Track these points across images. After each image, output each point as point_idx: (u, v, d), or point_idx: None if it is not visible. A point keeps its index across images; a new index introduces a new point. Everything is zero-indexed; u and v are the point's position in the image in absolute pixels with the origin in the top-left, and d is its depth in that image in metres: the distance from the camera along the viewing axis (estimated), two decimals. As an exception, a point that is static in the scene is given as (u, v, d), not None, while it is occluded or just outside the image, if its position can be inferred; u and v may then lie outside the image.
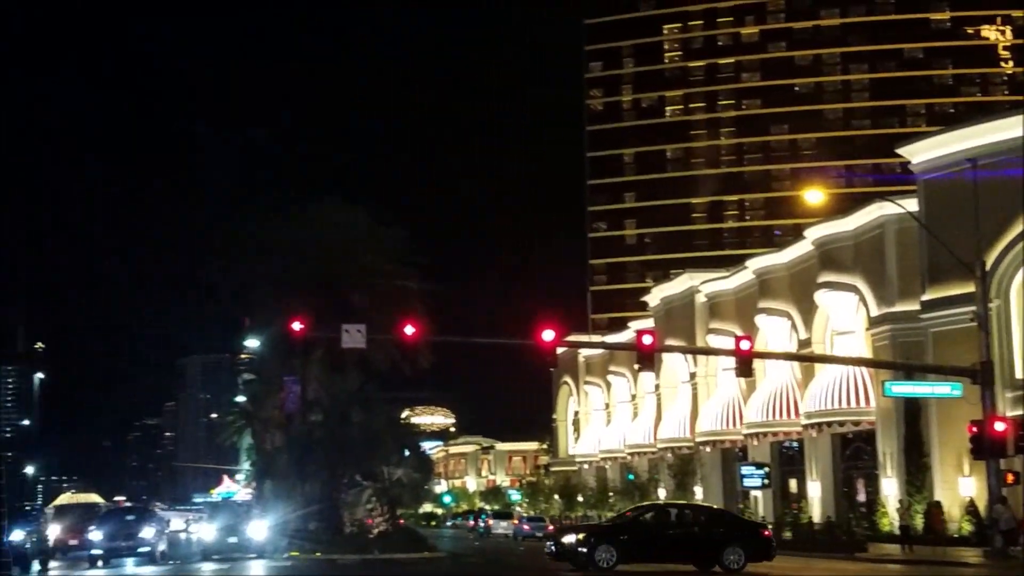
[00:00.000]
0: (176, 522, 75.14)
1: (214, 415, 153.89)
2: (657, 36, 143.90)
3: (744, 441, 64.63)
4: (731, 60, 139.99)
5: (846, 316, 55.67)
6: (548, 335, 36.01)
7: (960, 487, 45.89)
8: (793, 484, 62.27)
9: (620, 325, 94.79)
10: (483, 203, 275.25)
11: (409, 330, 36.87)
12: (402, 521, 58.45)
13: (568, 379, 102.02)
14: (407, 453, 51.92)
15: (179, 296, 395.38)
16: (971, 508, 44.64)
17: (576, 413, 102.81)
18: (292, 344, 42.00)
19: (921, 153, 49.09)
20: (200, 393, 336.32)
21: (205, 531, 50.01)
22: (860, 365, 52.68)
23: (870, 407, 52.92)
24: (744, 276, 66.00)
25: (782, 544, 53.15)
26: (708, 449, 69.59)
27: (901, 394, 44.86)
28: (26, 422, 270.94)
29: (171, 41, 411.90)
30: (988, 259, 41.78)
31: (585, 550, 31.81)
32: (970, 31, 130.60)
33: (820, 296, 56.50)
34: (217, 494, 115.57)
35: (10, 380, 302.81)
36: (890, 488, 50.43)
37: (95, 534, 43.74)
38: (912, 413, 48.29)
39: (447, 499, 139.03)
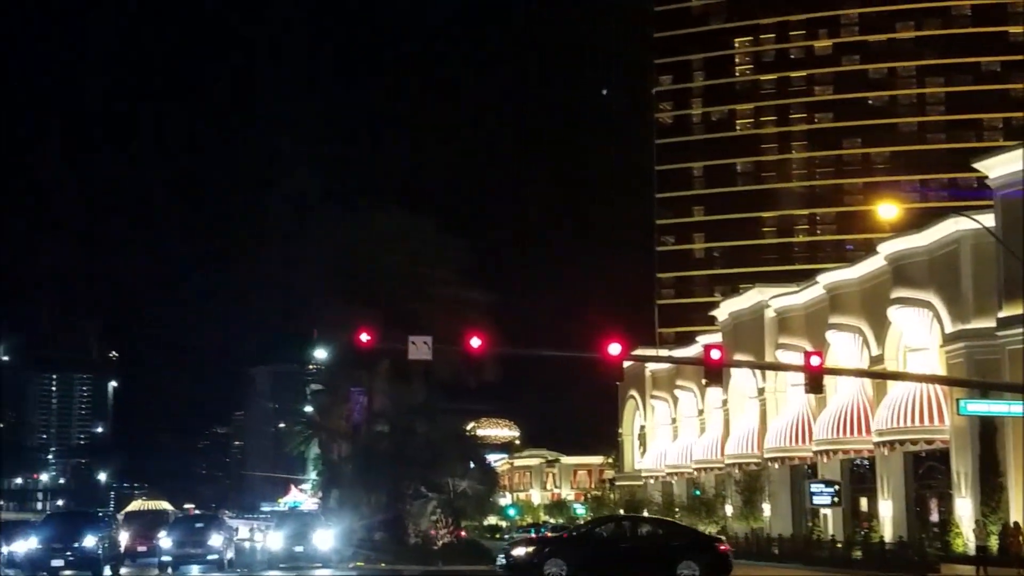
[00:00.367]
0: (244, 530, 75.89)
1: (282, 425, 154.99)
2: (728, 49, 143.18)
3: (813, 458, 63.69)
4: (803, 73, 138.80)
5: (919, 332, 54.64)
6: (615, 349, 35.72)
7: (1037, 508, 44.74)
8: (864, 503, 61.19)
9: (687, 339, 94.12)
10: (550, 216, 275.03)
11: (475, 342, 36.74)
12: (463, 533, 58.46)
13: (634, 393, 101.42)
14: (472, 465, 52.02)
15: (250, 307, 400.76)
16: (1049, 530, 43.50)
17: (642, 427, 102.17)
18: (359, 355, 42.22)
19: (998, 167, 48.08)
20: (268, 403, 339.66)
21: (272, 540, 50.44)
22: (933, 383, 51.63)
23: (944, 425, 51.84)
24: (814, 291, 65.13)
25: (853, 563, 52.42)
26: (776, 466, 68.69)
27: (976, 412, 43.85)
28: (99, 429, 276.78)
29: (240, 51, 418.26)
30: (1067, 276, 40.74)
31: (536, 562, 31.69)
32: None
33: (893, 312, 55.52)
34: (284, 503, 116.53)
35: (85, 388, 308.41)
36: (964, 508, 49.33)
37: (164, 541, 44.30)
38: (987, 432, 47.22)
39: (512, 512, 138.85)
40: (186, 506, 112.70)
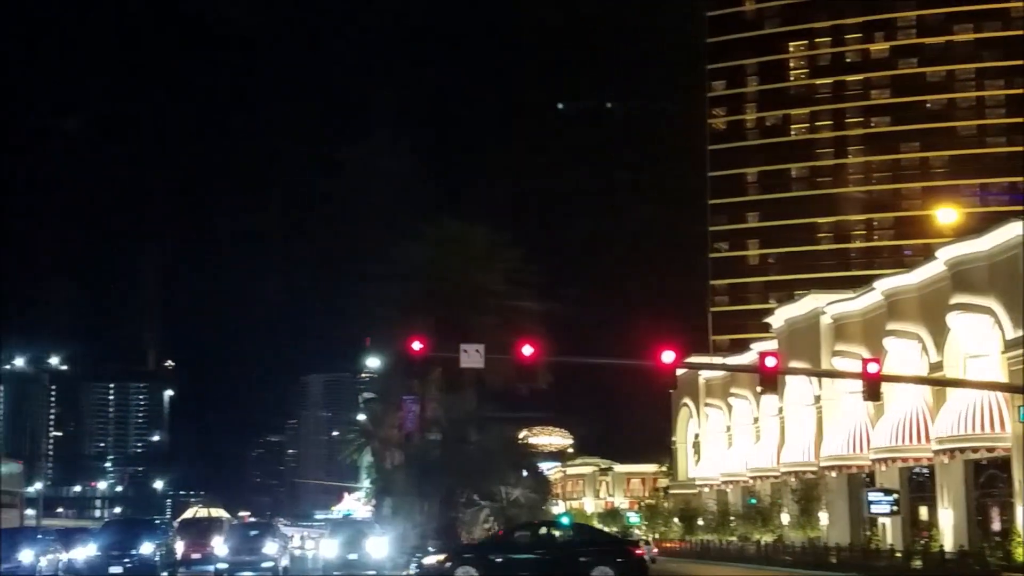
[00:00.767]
0: (298, 538, 76.30)
1: (335, 433, 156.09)
2: (782, 54, 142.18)
3: (871, 466, 62.79)
4: (860, 77, 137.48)
5: (980, 339, 53.65)
6: (668, 356, 35.39)
7: (1103, 519, 43.74)
8: (923, 511, 60.20)
9: (742, 346, 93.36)
10: (602, 223, 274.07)
11: (527, 350, 36.54)
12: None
13: (688, 401, 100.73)
14: (524, 473, 51.88)
15: (303, 315, 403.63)
16: (1115, 541, 42.51)
17: (696, 435, 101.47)
18: (411, 364, 42.22)
19: (1060, 170, 47.17)
20: (321, 411, 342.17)
21: (326, 547, 50.61)
22: (994, 390, 50.68)
23: (1005, 432, 50.85)
24: (872, 297, 64.26)
25: (912, 573, 51.51)
26: (834, 474, 67.83)
27: (1038, 420, 43.01)
28: (156, 438, 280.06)
29: (306, 66, 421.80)
30: None
31: (446, 570, 31.49)
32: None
33: (952, 318, 54.59)
34: (337, 511, 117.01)
35: (141, 397, 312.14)
36: (1026, 518, 48.35)
37: (219, 548, 44.58)
38: (1051, 440, 46.29)
39: (564, 520, 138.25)
40: (241, 513, 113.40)
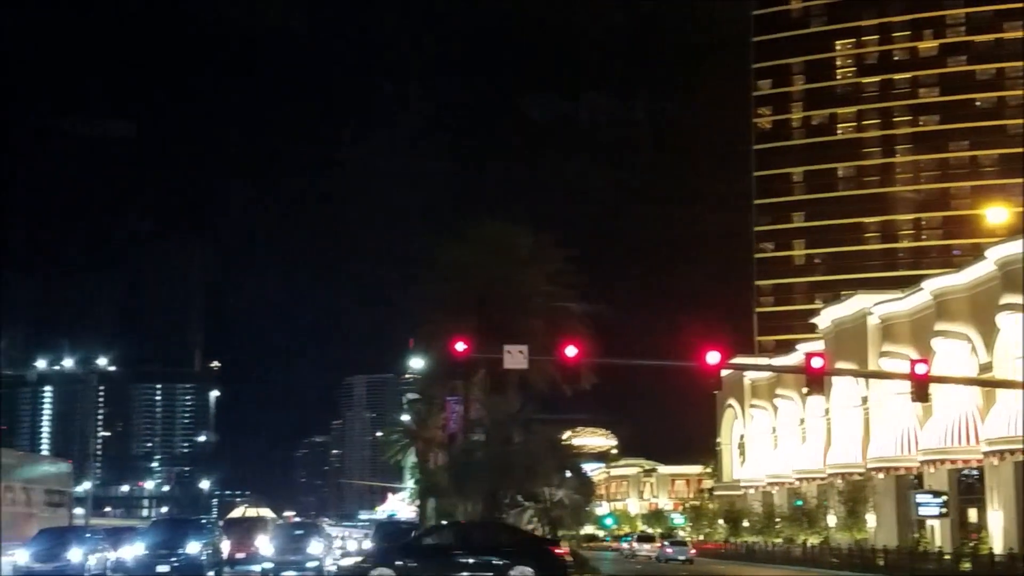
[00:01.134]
0: (342, 539, 76.58)
1: (379, 433, 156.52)
2: (829, 52, 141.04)
3: (920, 468, 62.13)
4: (908, 75, 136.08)
5: (1031, 339, 52.90)
6: (713, 357, 35.16)
7: None
8: (972, 514, 59.43)
9: (787, 347, 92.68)
10: (645, 223, 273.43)
11: (570, 351, 36.43)
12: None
13: (733, 402, 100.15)
14: (568, 474, 51.64)
15: (347, 317, 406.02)
16: None
17: (741, 437, 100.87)
18: (454, 365, 42.25)
19: (1113, 167, 46.38)
20: (366, 412, 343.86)
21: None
22: (1045, 391, 49.91)
23: (1057, 435, 50.12)
24: (920, 297, 63.57)
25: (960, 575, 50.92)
26: (881, 475, 67.18)
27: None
28: (202, 438, 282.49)
29: (351, 64, 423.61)
30: None
31: (362, 571, 31.38)
32: None
33: (1002, 318, 53.85)
34: (382, 511, 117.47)
35: (188, 398, 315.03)
36: (1079, 521, 47.60)
37: (265, 547, 44.86)
38: (1103, 442, 45.52)
39: (609, 521, 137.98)
40: (286, 513, 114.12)
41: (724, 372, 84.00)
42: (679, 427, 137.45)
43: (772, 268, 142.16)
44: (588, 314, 49.84)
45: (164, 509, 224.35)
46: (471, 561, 31.51)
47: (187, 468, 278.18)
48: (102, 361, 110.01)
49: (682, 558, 78.11)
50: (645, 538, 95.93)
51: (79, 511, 75.01)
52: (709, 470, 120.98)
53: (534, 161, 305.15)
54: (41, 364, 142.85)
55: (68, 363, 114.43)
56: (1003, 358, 55.14)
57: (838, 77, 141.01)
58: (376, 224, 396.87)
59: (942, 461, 59.28)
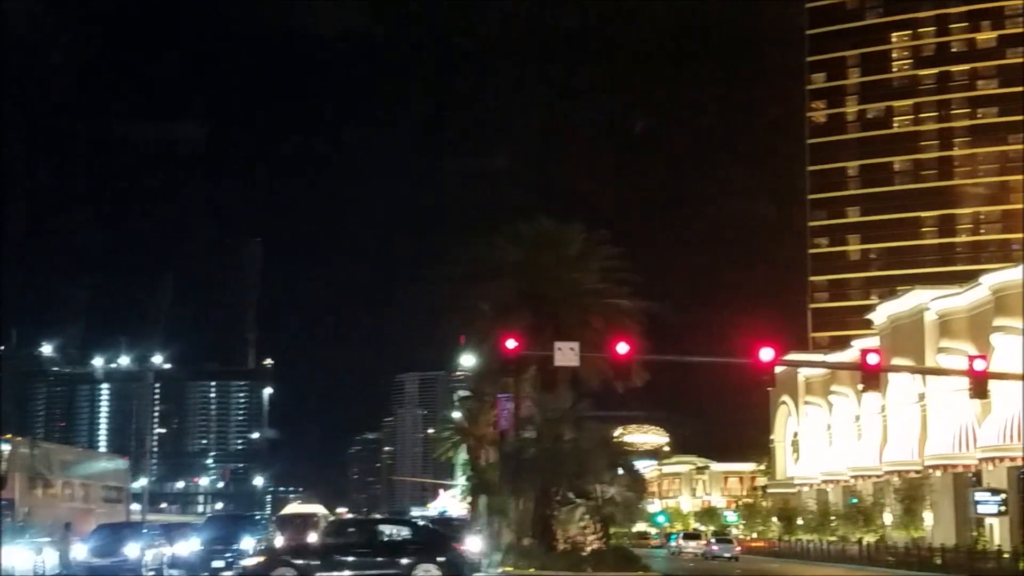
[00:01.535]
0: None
1: (430, 430, 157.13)
2: (885, 45, 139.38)
3: (978, 466, 61.34)
4: (966, 67, 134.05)
5: (1093, 335, 51.97)
6: (766, 354, 34.87)
7: None
8: (1033, 513, 58.57)
9: (842, 343, 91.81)
10: (699, 219, 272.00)
11: (622, 348, 36.22)
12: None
13: (787, 399, 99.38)
14: (620, 471, 51.44)
15: (399, 314, 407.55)
16: None
17: (795, 434, 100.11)
18: (506, 362, 42.11)
19: None
20: (417, 409, 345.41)
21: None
22: (1109, 388, 48.96)
23: (1120, 433, 49.18)
24: (978, 292, 62.68)
25: (1020, 574, 50.08)
26: (938, 473, 66.38)
27: None
28: (255, 435, 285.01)
29: (407, 67, 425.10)
30: None
31: (263, 571, 31.16)
32: None
33: (1063, 313, 52.99)
34: (433, 508, 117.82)
35: (241, 395, 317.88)
36: None
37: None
38: None
39: (661, 519, 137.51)
40: (338, 510, 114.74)
41: (778, 369, 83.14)
42: (732, 424, 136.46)
43: (827, 264, 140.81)
44: (640, 311, 49.53)
45: (219, 505, 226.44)
46: (377, 559, 31.43)
47: (241, 465, 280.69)
48: (157, 359, 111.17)
49: (727, 555, 78.61)
50: (691, 536, 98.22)
51: (136, 507, 75.78)
52: (762, 467, 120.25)
53: (590, 160, 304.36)
54: (98, 362, 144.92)
55: (124, 361, 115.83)
56: (1064, 354, 54.21)
57: (894, 70, 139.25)
58: (430, 221, 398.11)
59: (1001, 459, 58.52)
